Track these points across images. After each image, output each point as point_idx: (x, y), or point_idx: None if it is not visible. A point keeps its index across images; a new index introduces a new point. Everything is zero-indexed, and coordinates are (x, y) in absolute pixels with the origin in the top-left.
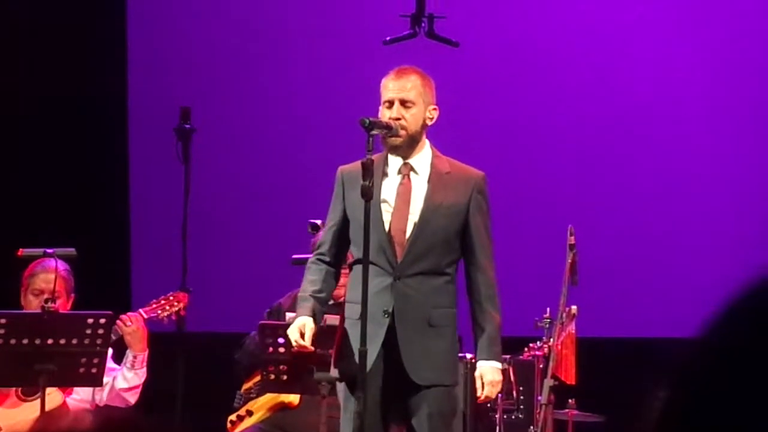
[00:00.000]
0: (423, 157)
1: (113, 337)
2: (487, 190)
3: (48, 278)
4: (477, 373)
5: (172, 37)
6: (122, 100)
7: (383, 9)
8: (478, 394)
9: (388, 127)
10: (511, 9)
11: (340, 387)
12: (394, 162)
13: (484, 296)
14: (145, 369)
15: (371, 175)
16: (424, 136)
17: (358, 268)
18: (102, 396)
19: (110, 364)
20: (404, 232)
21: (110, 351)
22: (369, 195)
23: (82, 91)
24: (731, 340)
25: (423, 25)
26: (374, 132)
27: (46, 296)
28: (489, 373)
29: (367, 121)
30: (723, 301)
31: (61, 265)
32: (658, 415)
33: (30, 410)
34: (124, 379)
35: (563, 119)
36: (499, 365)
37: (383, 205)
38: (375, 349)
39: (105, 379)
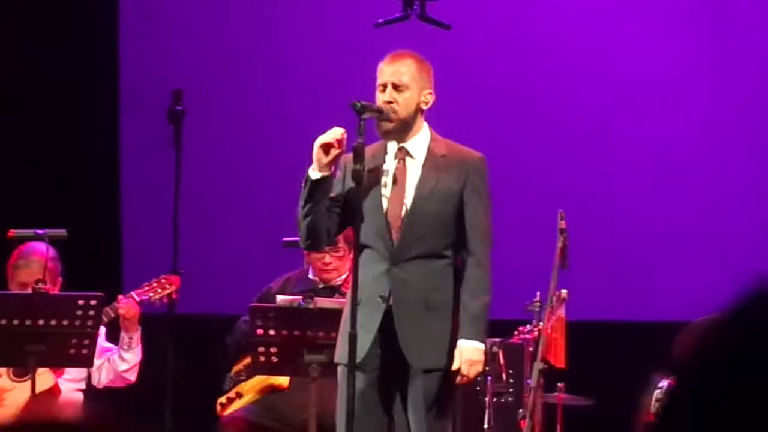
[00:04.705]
0: (419, 141)
1: (105, 319)
2: (485, 171)
3: (31, 271)
4: (456, 352)
5: (163, 19)
6: (113, 82)
7: None
8: (454, 368)
9: (379, 110)
10: None
11: (339, 370)
12: (392, 147)
13: (472, 278)
14: (140, 347)
15: (362, 159)
16: (420, 120)
17: (359, 252)
18: (100, 378)
19: (104, 344)
20: (400, 216)
21: (103, 330)
22: (359, 179)
23: (72, 72)
24: (745, 331)
25: (415, 7)
26: (366, 116)
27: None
28: (467, 352)
29: (359, 104)
30: (737, 292)
31: (48, 251)
32: (665, 401)
33: (21, 391)
34: (123, 360)
35: (555, 102)
36: (480, 345)
37: (382, 190)
38: (371, 333)
39: (98, 361)
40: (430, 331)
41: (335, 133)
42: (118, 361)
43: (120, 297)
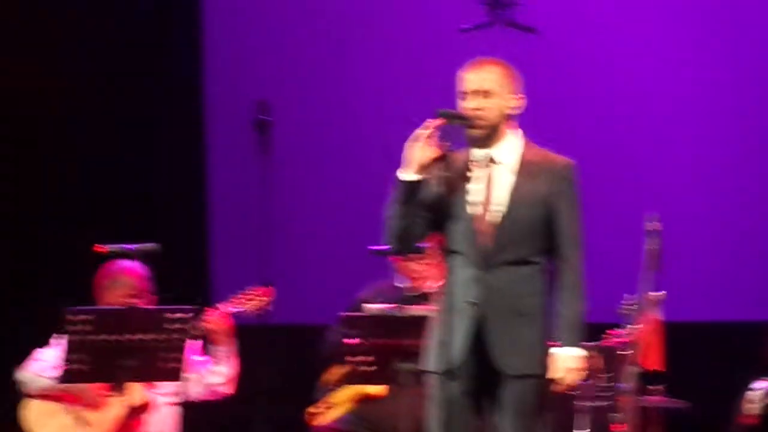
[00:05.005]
0: (508, 146)
1: (194, 333)
2: (574, 177)
3: (119, 293)
4: (553, 360)
5: (248, 27)
6: (199, 91)
7: None
8: (553, 376)
9: (465, 118)
10: None
11: (431, 378)
12: (480, 153)
13: (567, 284)
14: (235, 360)
15: (450, 166)
16: (508, 126)
17: (448, 259)
18: (195, 391)
19: (195, 357)
20: (489, 222)
21: (196, 344)
22: (447, 185)
23: (158, 82)
24: None
25: (500, 12)
26: (452, 123)
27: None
28: (565, 360)
29: (444, 112)
30: None
31: (137, 271)
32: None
33: (116, 406)
34: (215, 374)
35: (641, 104)
36: (578, 352)
37: (471, 197)
38: (462, 340)
39: (189, 375)
40: (521, 337)
41: (425, 127)
42: (209, 375)
43: (208, 311)
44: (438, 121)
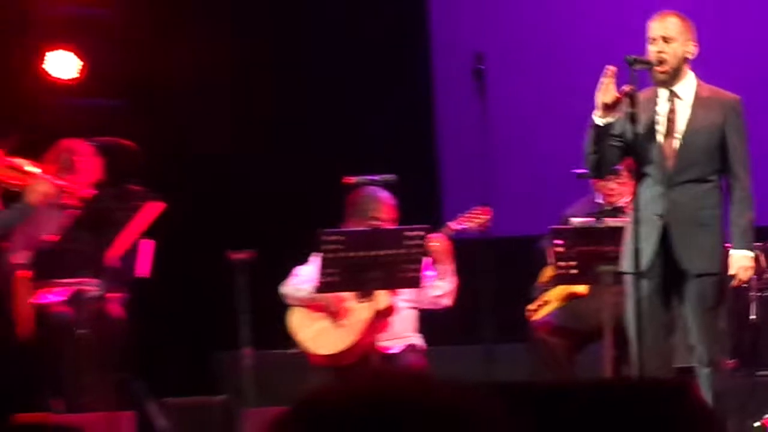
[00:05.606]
0: (686, 85)
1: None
2: (742, 110)
3: (372, 215)
4: (730, 260)
5: None
6: (426, 44)
7: None
8: (730, 273)
9: (648, 62)
10: None
11: (627, 278)
12: (663, 92)
13: (738, 198)
14: (453, 278)
15: (637, 103)
16: (686, 68)
17: (638, 179)
18: (423, 301)
19: (427, 272)
20: (673, 148)
21: (428, 259)
22: (634, 119)
23: (392, 39)
24: None
25: None
26: (637, 67)
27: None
28: (740, 260)
29: (631, 58)
30: None
31: (387, 198)
32: None
33: (365, 310)
34: (438, 287)
35: None
36: (750, 253)
37: (657, 127)
38: (652, 246)
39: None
40: (701, 242)
41: (605, 74)
42: (432, 289)
43: (430, 235)
44: (613, 67)
